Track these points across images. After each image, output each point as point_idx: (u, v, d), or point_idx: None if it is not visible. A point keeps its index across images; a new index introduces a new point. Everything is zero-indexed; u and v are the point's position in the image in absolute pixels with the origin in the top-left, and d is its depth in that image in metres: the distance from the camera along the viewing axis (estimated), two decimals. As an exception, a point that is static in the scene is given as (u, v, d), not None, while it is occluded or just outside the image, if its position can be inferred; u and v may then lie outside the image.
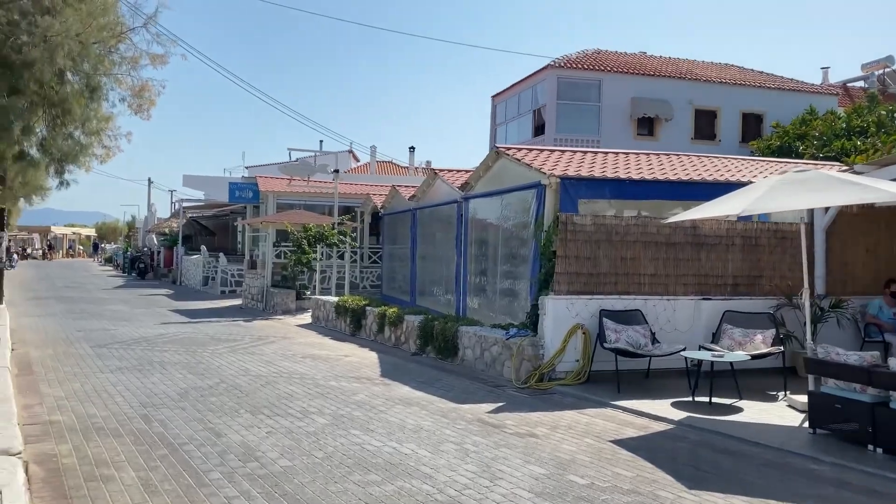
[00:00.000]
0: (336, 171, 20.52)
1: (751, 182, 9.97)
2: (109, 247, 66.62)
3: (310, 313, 19.05)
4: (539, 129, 29.38)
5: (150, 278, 36.03)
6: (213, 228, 43.60)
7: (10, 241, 55.01)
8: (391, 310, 13.49)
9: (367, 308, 14.38)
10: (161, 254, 37.24)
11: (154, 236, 42.39)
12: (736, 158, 15.22)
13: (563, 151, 13.43)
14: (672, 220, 9.12)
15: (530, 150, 13.29)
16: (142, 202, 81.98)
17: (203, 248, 29.59)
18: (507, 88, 32.36)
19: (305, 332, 15.44)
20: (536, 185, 11.34)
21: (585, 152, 13.45)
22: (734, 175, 12.14)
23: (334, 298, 16.36)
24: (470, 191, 14.54)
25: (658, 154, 14.31)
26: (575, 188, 11.07)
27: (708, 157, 14.78)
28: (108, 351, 12.26)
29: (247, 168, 57.67)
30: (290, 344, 13.54)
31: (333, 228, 20.13)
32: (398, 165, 54.51)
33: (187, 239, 35.94)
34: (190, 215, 37.93)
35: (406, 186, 21.38)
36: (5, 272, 20.11)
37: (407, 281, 20.90)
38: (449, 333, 11.41)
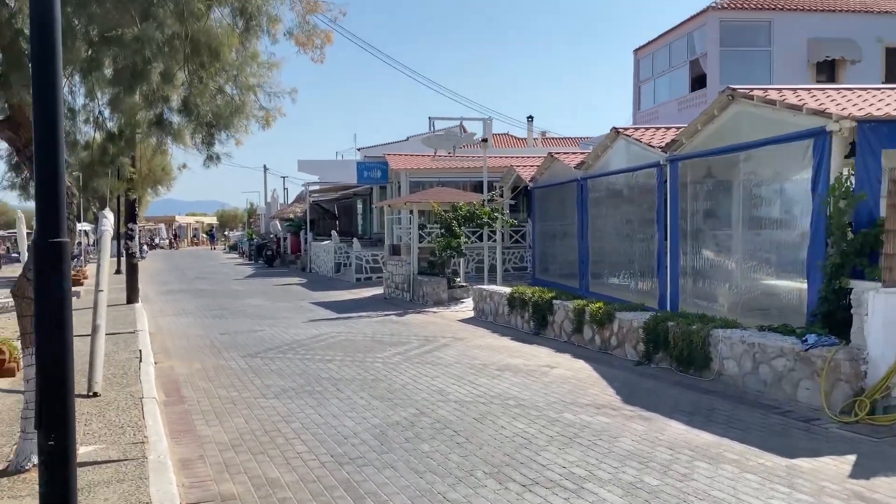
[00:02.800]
0: (485, 139, 17.99)
1: None
2: (233, 234, 67.57)
3: (465, 304, 16.69)
4: (697, 83, 25.63)
5: (277, 266, 35.06)
6: (335, 212, 42.41)
7: (139, 232, 56.54)
8: (594, 304, 10.79)
9: (556, 301, 11.75)
10: (287, 240, 36.19)
11: (278, 222, 41.61)
12: None
13: (822, 89, 10.17)
14: None
15: (793, 90, 10.11)
16: (255, 188, 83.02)
17: (334, 233, 27.98)
18: (655, 39, 28.64)
19: (474, 331, 13.03)
20: (816, 134, 8.28)
21: (851, 89, 10.13)
22: None
23: (505, 289, 13.85)
24: (678, 150, 11.57)
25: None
26: (877, 134, 7.93)
27: None
28: (263, 363, 10.27)
29: (359, 150, 56.56)
30: (468, 348, 11.13)
31: (484, 206, 17.62)
32: (514, 137, 51.63)
33: (312, 224, 34.66)
34: (312, 199, 36.67)
35: (566, 154, 18.56)
36: (138, 262, 19.08)
37: (568, 263, 18.16)
38: (696, 338, 8.60)
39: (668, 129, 14.23)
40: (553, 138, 48.54)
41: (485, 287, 14.59)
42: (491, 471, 5.50)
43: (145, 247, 50.19)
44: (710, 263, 11.18)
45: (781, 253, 9.36)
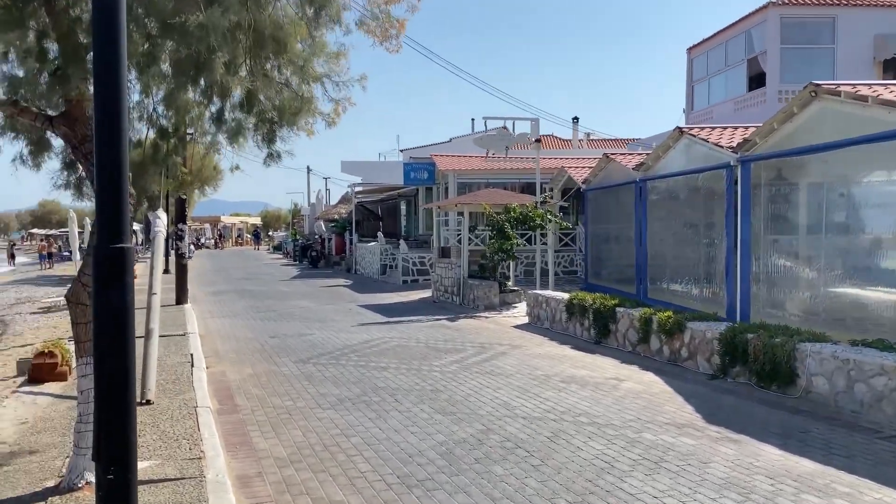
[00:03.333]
0: (538, 139, 17.41)
1: None
2: (277, 234, 68.10)
3: (517, 309, 16.19)
4: (755, 82, 24.68)
5: (322, 266, 34.99)
6: (378, 213, 42.25)
7: (189, 232, 57.28)
8: (662, 313, 10.20)
9: (620, 309, 11.18)
10: (332, 241, 36.10)
11: (322, 223, 41.60)
12: None
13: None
14: None
15: (884, 86, 9.39)
16: (296, 189, 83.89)
17: (380, 234, 27.71)
18: (709, 38, 27.73)
19: (531, 338, 12.52)
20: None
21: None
22: None
23: (563, 295, 13.31)
24: (751, 150, 10.90)
25: None
26: None
27: None
28: (316, 369, 9.93)
29: (401, 151, 56.39)
30: (528, 357, 10.64)
31: (537, 208, 17.08)
32: (559, 139, 50.79)
33: (356, 225, 34.50)
34: (357, 200, 36.53)
35: (623, 154, 17.93)
36: (186, 261, 18.99)
37: (623, 268, 17.52)
38: (780, 352, 7.97)
39: (736, 128, 13.54)
40: (598, 140, 47.71)
41: (541, 292, 14.06)
42: (575, 500, 5.01)
43: (192, 246, 50.81)
44: (787, 270, 10.49)
45: (873, 261, 8.66)
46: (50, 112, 5.29)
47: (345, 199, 45.75)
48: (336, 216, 39.85)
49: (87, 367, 4.90)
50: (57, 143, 6.71)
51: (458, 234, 23.23)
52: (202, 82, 4.59)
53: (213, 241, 66.91)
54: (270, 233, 72.60)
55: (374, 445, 6.39)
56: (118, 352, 2.79)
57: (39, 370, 8.24)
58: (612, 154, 17.69)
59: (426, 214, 31.73)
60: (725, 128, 13.76)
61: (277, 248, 54.68)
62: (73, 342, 11.68)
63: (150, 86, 6.31)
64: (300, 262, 38.42)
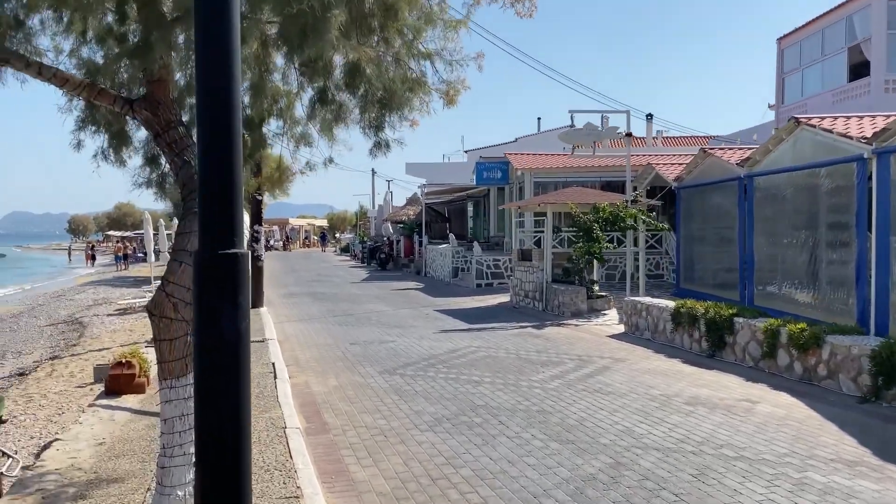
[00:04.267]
0: (629, 133, 16.28)
1: None
2: (344, 236, 68.36)
3: (607, 317, 15.12)
4: (857, 71, 22.85)
5: (391, 269, 34.46)
6: (445, 214, 41.56)
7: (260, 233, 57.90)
8: (794, 325, 9.00)
9: (738, 319, 10.01)
10: (400, 243, 35.55)
11: (389, 224, 41.16)
12: None
13: None
14: None
15: None
16: (359, 191, 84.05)
17: (451, 236, 26.92)
18: (803, 26, 25.90)
19: (632, 349, 11.45)
20: None
21: None
22: None
23: (667, 302, 12.19)
24: (890, 141, 9.58)
25: None
26: None
27: None
28: (404, 381, 9.14)
29: (465, 152, 55.59)
30: (636, 372, 9.59)
31: (628, 207, 15.95)
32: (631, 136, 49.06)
33: (421, 226, 33.86)
34: (425, 202, 35.89)
35: (722, 148, 16.63)
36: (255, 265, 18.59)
37: (723, 272, 16.21)
38: (959, 375, 6.73)
39: (861, 118, 12.18)
40: (672, 137, 45.86)
41: (639, 299, 12.95)
42: (760, 567, 4.02)
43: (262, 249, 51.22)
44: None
45: None
46: (130, 94, 4.61)
47: (412, 201, 45.29)
48: (404, 218, 39.33)
49: (172, 392, 4.19)
50: (139, 135, 6.10)
51: (536, 236, 22.25)
52: (305, 52, 3.79)
53: (281, 243, 67.62)
54: (337, 235, 72.93)
55: (489, 480, 5.52)
56: (229, 395, 2.00)
57: (116, 381, 7.70)
58: (711, 149, 16.40)
59: (497, 215, 30.81)
60: (849, 117, 12.38)
61: (345, 250, 54.68)
62: (150, 347, 11.22)
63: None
64: (368, 264, 38.02)
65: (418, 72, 4.72)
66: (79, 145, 6.27)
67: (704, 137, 39.70)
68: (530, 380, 9.12)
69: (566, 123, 51.91)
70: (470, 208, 38.65)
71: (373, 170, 63.20)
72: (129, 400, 7.58)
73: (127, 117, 4.80)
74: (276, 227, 72.21)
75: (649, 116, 41.73)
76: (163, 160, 6.12)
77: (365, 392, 8.65)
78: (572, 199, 16.25)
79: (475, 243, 23.86)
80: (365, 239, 45.53)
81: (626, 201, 16.27)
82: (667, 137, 44.82)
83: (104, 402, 7.49)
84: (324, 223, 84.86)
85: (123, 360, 7.78)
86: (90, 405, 7.47)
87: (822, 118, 12.65)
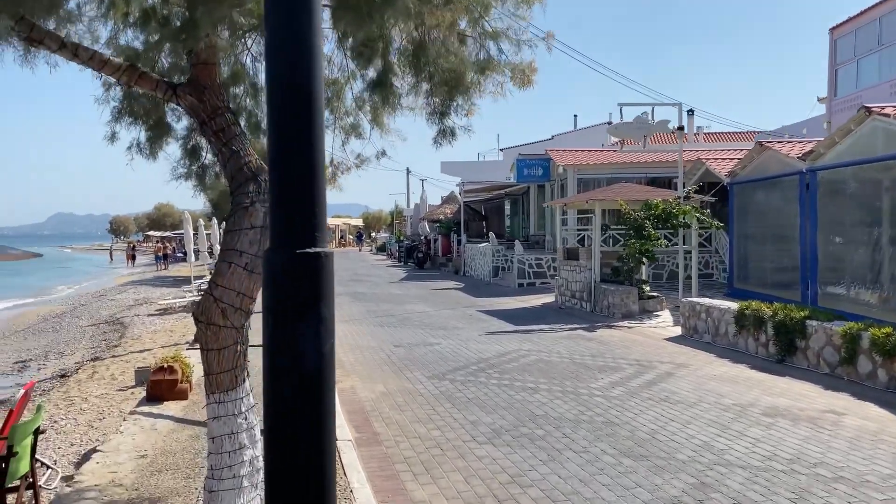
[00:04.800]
0: (680, 127, 15.58)
1: None
2: (380, 236, 68.24)
3: (660, 318, 14.46)
4: (919, 60, 21.74)
5: (428, 268, 34.05)
6: (483, 213, 41.04)
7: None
8: (878, 329, 8.30)
9: (811, 322, 9.32)
10: (438, 242, 35.11)
11: (426, 223, 40.75)
12: None
13: None
14: None
15: None
16: (392, 191, 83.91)
17: (491, 235, 26.39)
18: (858, 15, 24.80)
19: (693, 354, 10.81)
20: None
21: None
22: None
23: (729, 303, 11.51)
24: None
25: None
26: None
27: None
28: (455, 388, 8.67)
29: (501, 150, 54.93)
30: (702, 379, 8.98)
31: (681, 204, 15.26)
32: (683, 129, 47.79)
33: (458, 225, 33.36)
34: (463, 200, 35.40)
35: (780, 142, 15.83)
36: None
37: (781, 271, 15.44)
38: None
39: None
40: (715, 133, 44.64)
41: (698, 300, 12.28)
42: None
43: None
44: None
45: None
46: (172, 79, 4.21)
47: (448, 200, 44.79)
48: (441, 216, 38.86)
49: (221, 408, 3.77)
50: (180, 125, 5.73)
51: (579, 234, 21.62)
52: (373, 21, 3.32)
53: (316, 242, 67.63)
54: (373, 234, 72.83)
55: (562, 503, 5.01)
56: (309, 442, 1.53)
57: (158, 387, 7.37)
58: (768, 142, 15.63)
59: (538, 213, 30.19)
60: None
61: (381, 250, 54.46)
62: (192, 349, 10.93)
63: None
64: (405, 263, 37.68)
65: (487, 52, 4.22)
66: (113, 137, 5.92)
67: (750, 133, 38.52)
68: (589, 387, 8.57)
69: (604, 120, 51.31)
70: (507, 206, 38.07)
71: (407, 168, 62.90)
72: (172, 407, 7.24)
73: (169, 104, 4.39)
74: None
75: (690, 112, 40.71)
76: (203, 152, 5.74)
77: (415, 399, 8.20)
78: (621, 195, 15.61)
79: (517, 242, 23.29)
80: (402, 238, 45.23)
81: (679, 198, 15.57)
82: (709, 133, 43.66)
83: (145, 408, 7.16)
84: (359, 223, 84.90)
85: (165, 365, 7.45)
86: (131, 412, 7.14)
87: (897, 107, 11.85)
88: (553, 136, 46.28)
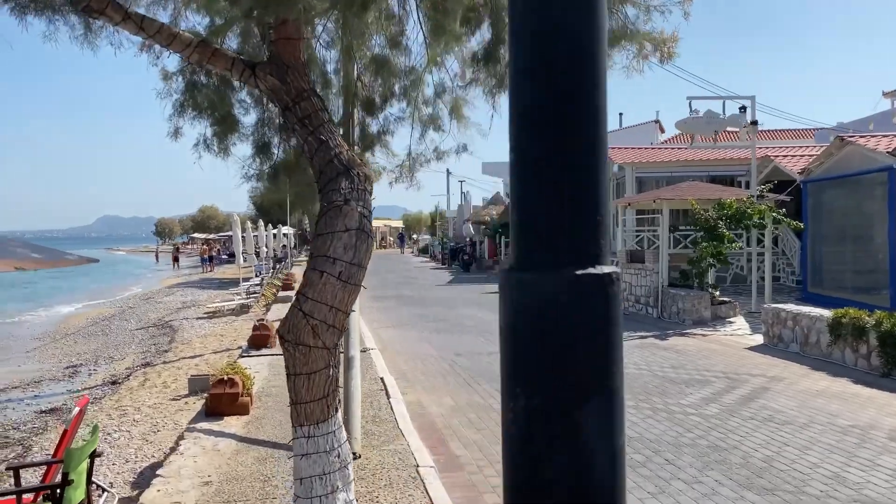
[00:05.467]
0: (754, 122, 14.66)
1: None
2: (422, 238, 67.87)
3: (735, 325, 13.58)
4: None
5: (474, 271, 33.41)
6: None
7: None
8: None
9: (924, 333, 8.42)
10: (483, 244, 34.45)
11: (470, 225, 40.11)
12: None
13: None
14: None
15: None
16: (435, 191, 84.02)
17: (542, 236, 25.58)
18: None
19: (784, 365, 9.95)
20: None
21: None
22: None
23: (820, 311, 10.61)
24: None
25: None
26: None
27: None
28: (532, 403, 7.99)
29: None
30: (803, 395, 8.14)
31: (755, 203, 14.34)
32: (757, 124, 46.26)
33: (505, 227, 32.60)
34: (507, 202, 34.63)
35: (864, 136, 14.80)
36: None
37: (863, 275, 14.48)
38: None
39: None
40: (767, 130, 43.01)
41: (784, 307, 11.39)
42: None
43: (341, 250, 51.12)
44: None
45: None
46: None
47: (492, 201, 44.08)
48: (486, 218, 38.16)
49: (310, 443, 3.17)
50: (248, 119, 5.19)
51: (638, 235, 20.71)
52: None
53: (358, 244, 67.52)
54: (414, 236, 72.44)
55: (689, 548, 4.31)
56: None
57: (218, 401, 6.86)
58: (850, 137, 14.62)
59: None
60: None
61: (423, 252, 54.02)
62: (246, 357, 10.44)
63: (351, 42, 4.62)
64: (450, 265, 37.09)
65: (622, 17, 3.55)
66: (176, 133, 5.40)
67: (807, 130, 36.93)
68: (680, 404, 7.82)
69: (651, 118, 49.91)
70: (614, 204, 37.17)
71: (447, 170, 62.34)
72: (233, 423, 6.71)
73: (244, 88, 3.82)
74: (353, 229, 72.32)
75: (742, 109, 39.22)
76: (275, 148, 5.18)
77: (489, 416, 7.55)
78: (691, 194, 14.74)
79: (571, 244, 22.45)
80: (445, 240, 44.68)
81: (752, 196, 14.64)
82: (762, 131, 42.09)
83: (205, 425, 6.65)
84: (399, 224, 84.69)
85: (225, 377, 6.93)
86: (189, 428, 6.64)
87: None
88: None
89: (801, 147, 20.33)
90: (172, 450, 6.27)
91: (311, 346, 3.13)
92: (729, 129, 16.30)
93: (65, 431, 5.46)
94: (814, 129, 34.55)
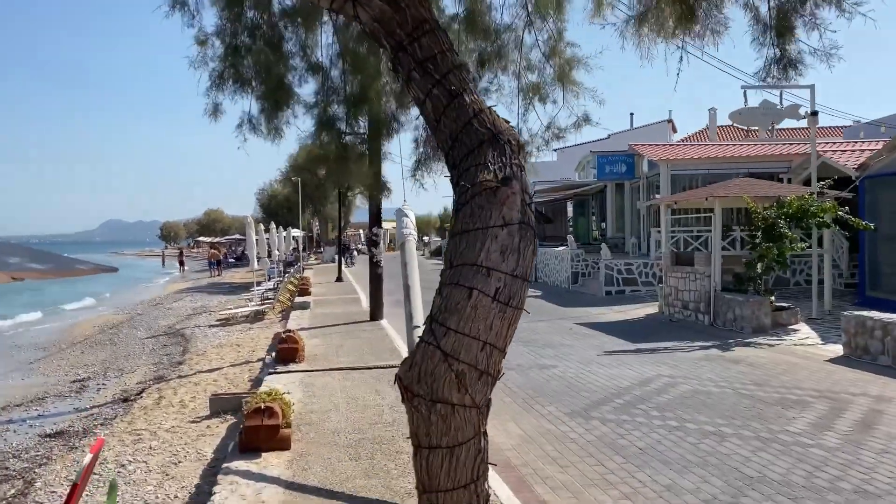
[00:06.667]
0: (814, 112, 13.51)
1: None
2: (432, 239, 66.91)
3: (800, 333, 12.43)
4: None
5: (493, 274, 32.30)
6: (548, 214, 39.16)
7: (348, 238, 56.77)
8: None
9: None
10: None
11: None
12: None
13: None
14: None
15: None
16: (432, 194, 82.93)
17: (570, 237, 24.50)
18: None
19: (884, 382, 8.80)
20: None
21: None
22: None
23: (917, 319, 9.46)
24: None
25: None
26: None
27: None
28: (611, 430, 6.88)
29: (555, 150, 52.82)
30: (925, 419, 7.02)
31: (818, 201, 13.21)
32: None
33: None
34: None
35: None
36: (347, 269, 16.63)
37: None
38: None
39: None
40: (788, 129, 41.83)
41: (868, 314, 10.23)
42: None
43: (355, 252, 50.13)
44: None
45: None
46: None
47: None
48: (503, 219, 37.08)
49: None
50: (305, 90, 4.12)
51: (674, 236, 19.55)
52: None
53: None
54: (424, 238, 71.37)
55: None
56: None
57: (255, 435, 5.76)
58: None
59: (615, 214, 28.20)
60: None
61: (436, 254, 52.99)
62: (272, 374, 9.30)
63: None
64: (467, 268, 35.96)
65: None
66: (216, 110, 4.33)
67: (839, 127, 35.60)
68: (788, 431, 6.69)
69: (664, 118, 48.46)
70: (570, 208, 36.14)
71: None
72: (274, 462, 5.59)
73: (339, 19, 2.71)
74: (361, 231, 71.37)
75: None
76: (342, 124, 4.10)
77: (568, 447, 6.44)
78: (747, 191, 13.60)
79: (603, 246, 21.34)
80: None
81: (812, 194, 13.50)
82: (781, 129, 40.91)
83: (241, 464, 5.54)
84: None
85: (262, 406, 5.83)
86: (223, 469, 5.52)
87: None
88: (610, 136, 44.04)
89: (853, 142, 19.16)
90: (203, 501, 5.17)
91: (456, 403, 2.03)
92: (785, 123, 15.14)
93: (74, 486, 4.36)
94: (850, 125, 33.05)
